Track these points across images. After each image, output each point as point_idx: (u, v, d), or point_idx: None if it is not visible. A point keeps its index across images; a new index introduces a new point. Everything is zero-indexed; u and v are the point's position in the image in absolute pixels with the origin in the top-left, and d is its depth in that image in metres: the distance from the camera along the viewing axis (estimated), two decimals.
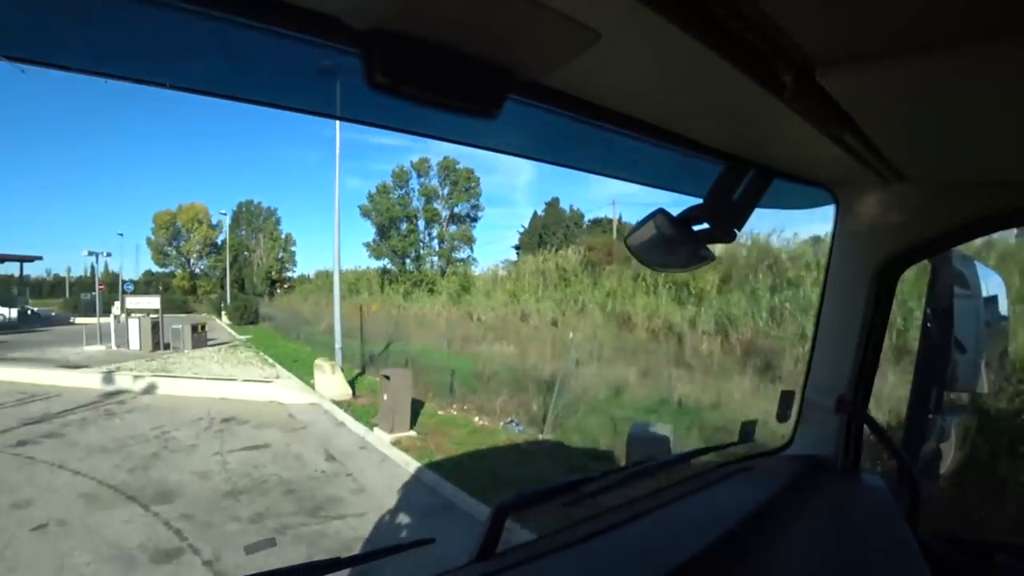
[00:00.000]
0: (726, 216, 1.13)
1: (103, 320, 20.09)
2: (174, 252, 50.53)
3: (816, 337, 1.57)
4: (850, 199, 1.42)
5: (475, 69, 0.66)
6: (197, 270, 51.54)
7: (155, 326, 18.65)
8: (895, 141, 1.00)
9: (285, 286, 47.89)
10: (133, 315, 19.15)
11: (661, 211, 1.11)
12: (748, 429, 1.65)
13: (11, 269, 34.69)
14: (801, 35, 0.62)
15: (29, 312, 30.70)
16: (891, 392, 5.12)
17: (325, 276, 37.77)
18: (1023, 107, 0.78)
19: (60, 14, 0.56)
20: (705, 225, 1.12)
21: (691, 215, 1.12)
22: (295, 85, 0.77)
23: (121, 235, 58.22)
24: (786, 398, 1.68)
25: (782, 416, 1.70)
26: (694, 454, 1.49)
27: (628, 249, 1.17)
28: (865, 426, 1.50)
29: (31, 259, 35.27)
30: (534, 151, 1.06)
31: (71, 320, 30.64)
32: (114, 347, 18.49)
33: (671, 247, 1.13)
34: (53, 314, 34.14)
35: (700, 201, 1.15)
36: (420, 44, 0.61)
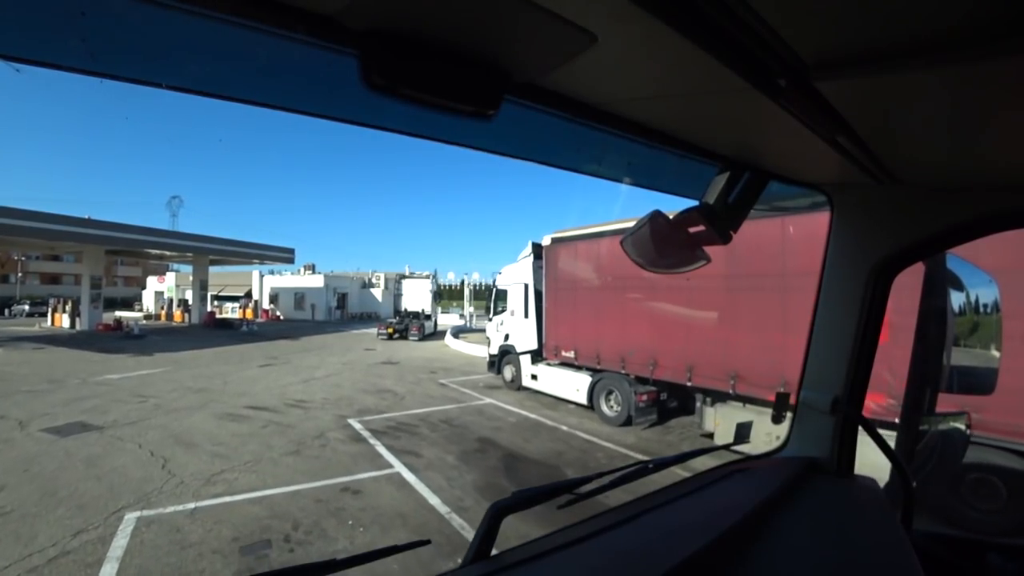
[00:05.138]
0: (722, 218, 1.14)
1: None
2: None
3: (811, 338, 1.57)
4: (845, 201, 1.42)
5: (472, 71, 0.66)
6: None
7: None
8: (889, 144, 1.01)
9: None
10: None
11: (657, 212, 1.12)
12: (743, 431, 1.65)
13: None
14: (796, 39, 0.63)
15: None
16: None
17: None
18: (1015, 112, 0.79)
19: (54, 12, 0.56)
20: (701, 227, 1.12)
21: (687, 217, 1.12)
22: (291, 86, 0.76)
23: None
24: (781, 399, 1.68)
25: (777, 418, 1.70)
26: (690, 455, 1.49)
27: (624, 250, 1.17)
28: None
29: None
30: (530, 153, 1.06)
31: None
32: None
33: (667, 248, 1.13)
34: None
35: (696, 203, 1.15)
36: (417, 46, 0.61)
